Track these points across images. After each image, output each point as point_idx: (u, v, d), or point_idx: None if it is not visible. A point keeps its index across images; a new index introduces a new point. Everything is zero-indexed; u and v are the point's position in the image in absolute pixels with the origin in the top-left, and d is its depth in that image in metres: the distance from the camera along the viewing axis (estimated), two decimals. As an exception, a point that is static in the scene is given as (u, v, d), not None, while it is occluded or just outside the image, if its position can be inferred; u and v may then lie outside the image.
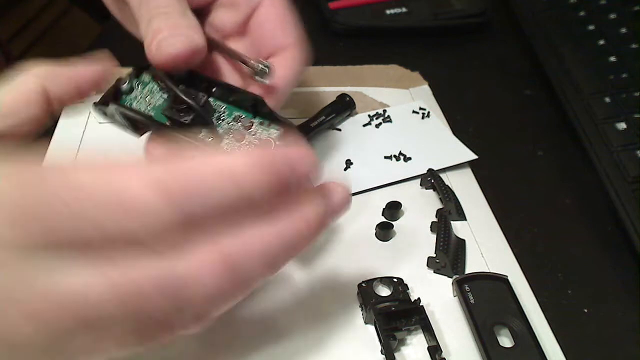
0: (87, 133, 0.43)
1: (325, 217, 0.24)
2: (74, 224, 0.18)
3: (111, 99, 0.30)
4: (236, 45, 0.35)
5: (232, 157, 0.21)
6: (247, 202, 0.21)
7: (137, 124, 0.31)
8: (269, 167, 0.21)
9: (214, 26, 0.35)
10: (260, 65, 0.31)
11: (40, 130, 0.27)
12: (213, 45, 0.33)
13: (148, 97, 0.31)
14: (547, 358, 0.31)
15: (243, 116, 0.30)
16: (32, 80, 0.26)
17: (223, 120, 0.30)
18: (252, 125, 0.29)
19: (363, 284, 0.34)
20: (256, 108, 0.30)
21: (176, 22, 0.29)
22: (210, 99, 0.31)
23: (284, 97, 0.34)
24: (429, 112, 0.48)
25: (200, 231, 0.20)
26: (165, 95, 0.30)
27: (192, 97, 0.29)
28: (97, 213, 0.19)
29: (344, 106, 0.46)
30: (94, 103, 0.30)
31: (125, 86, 0.30)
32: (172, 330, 0.21)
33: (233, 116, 0.30)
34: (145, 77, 0.31)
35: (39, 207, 0.18)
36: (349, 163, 0.43)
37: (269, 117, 0.30)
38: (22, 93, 0.26)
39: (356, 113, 0.47)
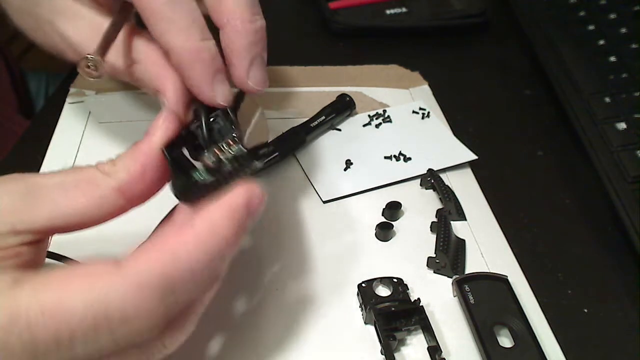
0: (86, 133, 0.43)
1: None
2: (63, 352, 0.20)
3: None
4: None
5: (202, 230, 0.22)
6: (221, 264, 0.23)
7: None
8: (237, 227, 0.23)
9: None
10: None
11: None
12: None
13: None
14: (547, 358, 0.31)
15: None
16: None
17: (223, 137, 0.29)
18: (230, 145, 0.28)
19: (363, 284, 0.34)
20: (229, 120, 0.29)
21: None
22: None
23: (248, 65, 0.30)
24: (429, 112, 0.48)
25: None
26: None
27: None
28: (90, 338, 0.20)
29: (344, 106, 0.46)
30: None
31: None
32: None
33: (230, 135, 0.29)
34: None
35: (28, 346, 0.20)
36: (348, 163, 0.43)
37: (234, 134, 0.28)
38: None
39: (356, 113, 0.47)
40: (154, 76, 0.30)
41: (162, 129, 0.27)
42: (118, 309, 0.20)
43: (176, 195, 0.27)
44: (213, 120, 0.29)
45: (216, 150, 0.28)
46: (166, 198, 0.27)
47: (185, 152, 0.28)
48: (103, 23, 0.30)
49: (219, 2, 0.29)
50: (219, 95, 0.28)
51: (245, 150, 0.27)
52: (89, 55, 0.29)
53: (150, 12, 0.27)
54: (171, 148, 0.27)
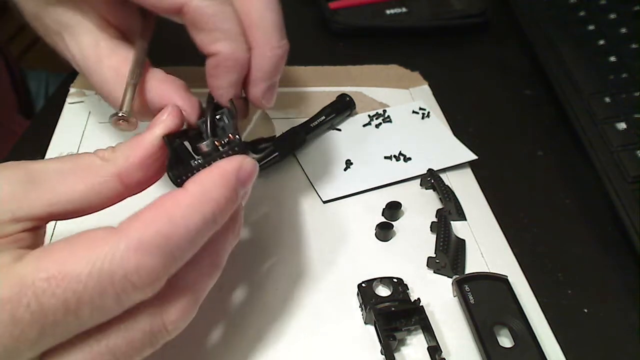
0: (86, 133, 0.43)
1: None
2: (70, 319, 0.20)
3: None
4: None
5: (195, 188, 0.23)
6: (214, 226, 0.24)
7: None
8: (228, 192, 0.24)
9: None
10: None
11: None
12: None
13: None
14: (547, 358, 0.31)
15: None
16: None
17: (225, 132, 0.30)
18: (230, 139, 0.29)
19: (363, 284, 0.34)
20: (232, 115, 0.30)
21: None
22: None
23: (270, 75, 0.31)
24: (429, 112, 0.48)
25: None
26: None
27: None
28: (95, 299, 0.20)
29: (344, 106, 0.46)
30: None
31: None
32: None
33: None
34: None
35: (34, 309, 0.20)
36: (348, 163, 0.43)
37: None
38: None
39: (356, 113, 0.47)
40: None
41: (165, 121, 0.27)
42: (120, 266, 0.21)
43: (172, 180, 0.27)
44: (219, 118, 0.30)
45: (215, 142, 0.28)
46: (167, 187, 0.27)
47: (187, 144, 0.29)
48: (106, 41, 0.31)
49: (250, 24, 0.30)
50: (232, 95, 0.30)
51: (239, 139, 0.28)
52: (120, 113, 0.29)
53: (203, 21, 0.28)
54: (173, 138, 0.27)
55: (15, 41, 0.75)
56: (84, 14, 0.31)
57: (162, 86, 0.31)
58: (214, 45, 0.29)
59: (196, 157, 0.28)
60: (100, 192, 0.25)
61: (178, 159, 0.27)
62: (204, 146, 0.28)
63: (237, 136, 0.28)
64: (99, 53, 0.31)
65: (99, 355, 0.22)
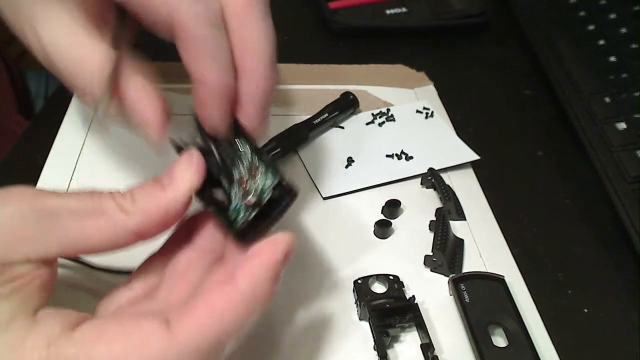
0: (92, 129, 0.44)
1: None
2: None
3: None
4: None
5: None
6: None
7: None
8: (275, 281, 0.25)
9: None
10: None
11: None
12: None
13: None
14: (541, 358, 0.31)
15: (254, 159, 0.29)
16: None
17: (242, 163, 0.29)
18: (256, 172, 0.28)
19: (359, 281, 0.34)
20: (258, 152, 0.29)
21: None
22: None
23: (263, 104, 0.30)
24: (432, 112, 0.48)
25: None
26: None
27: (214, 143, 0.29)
28: None
29: (348, 104, 0.46)
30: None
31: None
32: None
33: (249, 160, 0.29)
34: None
35: None
36: (350, 161, 0.43)
37: (268, 162, 0.29)
38: None
39: (360, 111, 0.47)
40: (138, 105, 0.29)
41: (190, 177, 0.27)
42: None
43: (236, 240, 0.27)
44: (224, 149, 0.29)
45: (244, 183, 0.28)
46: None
47: (215, 192, 0.28)
48: (84, 29, 0.29)
49: (243, 52, 0.29)
50: (225, 124, 0.29)
51: (279, 177, 0.28)
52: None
53: (194, 47, 0.27)
54: (202, 191, 0.27)
55: (15, 41, 0.75)
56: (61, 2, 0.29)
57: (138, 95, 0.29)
58: (202, 72, 0.28)
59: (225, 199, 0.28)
60: (114, 242, 0.25)
61: (221, 215, 0.27)
62: (244, 195, 0.28)
63: (269, 172, 0.28)
64: (76, 41, 0.29)
65: None
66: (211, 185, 0.28)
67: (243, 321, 0.23)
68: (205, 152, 0.28)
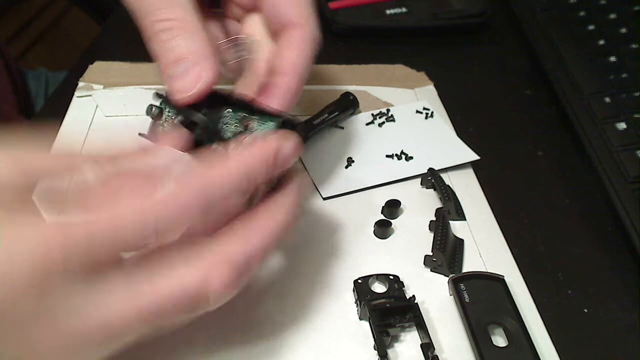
0: (93, 126, 0.44)
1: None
2: (106, 248, 0.21)
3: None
4: (252, 20, 0.35)
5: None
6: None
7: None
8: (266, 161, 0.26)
9: (234, 1, 0.35)
10: (239, 48, 0.31)
11: None
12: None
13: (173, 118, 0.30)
14: (541, 358, 0.31)
15: (245, 115, 0.30)
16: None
17: (229, 124, 0.29)
18: (251, 122, 0.29)
19: (359, 281, 0.34)
20: (252, 107, 0.30)
21: (188, 49, 0.28)
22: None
23: (297, 87, 0.32)
24: (432, 112, 0.48)
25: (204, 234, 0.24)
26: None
27: (193, 114, 0.29)
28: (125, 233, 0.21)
29: (347, 104, 0.46)
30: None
31: (154, 111, 0.30)
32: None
33: (236, 119, 0.30)
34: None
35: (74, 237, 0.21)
36: (350, 161, 0.43)
37: (264, 112, 0.29)
38: None
39: (360, 112, 0.47)
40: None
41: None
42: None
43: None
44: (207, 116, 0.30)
45: (242, 137, 0.29)
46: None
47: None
48: None
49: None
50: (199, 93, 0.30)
51: (277, 121, 0.29)
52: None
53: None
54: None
55: (14, 41, 0.75)
56: None
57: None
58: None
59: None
60: None
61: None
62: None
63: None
64: None
65: (146, 301, 0.22)
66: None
67: (230, 189, 0.24)
68: (187, 125, 0.29)
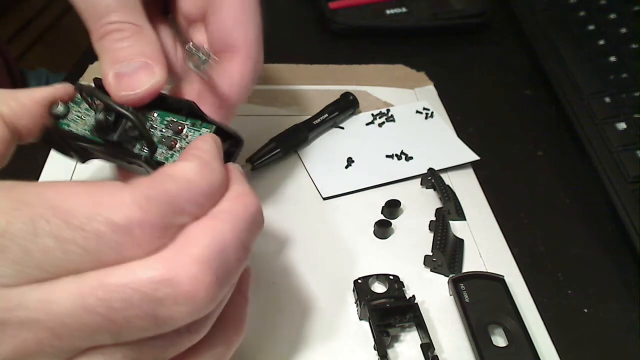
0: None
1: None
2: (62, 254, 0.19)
3: (52, 128, 0.27)
4: (198, 34, 0.34)
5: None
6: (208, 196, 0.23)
7: (79, 149, 0.28)
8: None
9: (181, 10, 0.33)
10: (201, 54, 0.28)
11: (9, 152, 0.26)
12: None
13: (84, 117, 0.28)
14: (541, 358, 0.31)
15: (174, 120, 0.28)
16: None
17: (156, 128, 0.28)
18: (184, 128, 0.27)
19: (359, 280, 0.34)
20: (190, 112, 0.28)
21: (141, 50, 0.28)
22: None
23: (236, 106, 0.32)
24: (432, 113, 0.48)
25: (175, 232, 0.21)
26: (92, 114, 0.28)
27: (124, 107, 0.26)
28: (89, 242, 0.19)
29: (347, 104, 0.46)
30: (41, 136, 0.28)
31: (59, 109, 0.27)
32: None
33: (165, 122, 0.28)
34: (78, 95, 0.28)
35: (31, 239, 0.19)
36: (350, 161, 0.43)
37: (201, 118, 0.28)
38: None
39: (360, 112, 0.47)
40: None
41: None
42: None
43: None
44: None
45: (174, 143, 0.28)
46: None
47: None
48: None
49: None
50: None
51: (212, 128, 0.27)
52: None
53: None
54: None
55: (15, 41, 0.75)
56: None
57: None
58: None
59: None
60: None
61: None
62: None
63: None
64: None
65: (88, 286, 0.19)
66: (129, 156, 0.27)
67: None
68: (109, 121, 0.27)
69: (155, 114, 0.28)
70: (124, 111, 0.26)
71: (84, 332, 0.19)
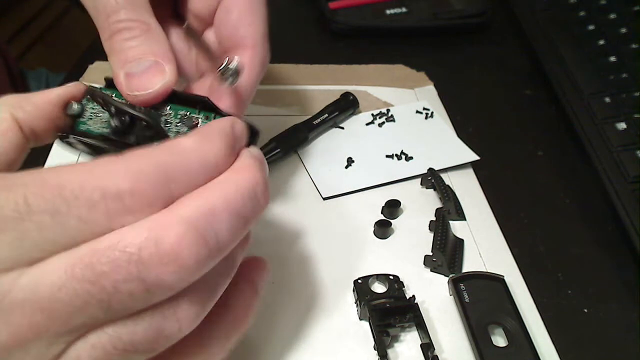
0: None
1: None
2: (60, 227, 0.19)
3: (68, 128, 0.27)
4: (206, 34, 0.34)
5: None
6: (208, 168, 0.22)
7: (98, 149, 0.28)
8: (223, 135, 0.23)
9: (191, 11, 0.34)
10: (233, 65, 0.29)
11: (22, 157, 0.26)
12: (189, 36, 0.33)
13: (99, 114, 0.28)
14: (541, 358, 0.31)
15: (188, 114, 0.28)
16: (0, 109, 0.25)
17: (171, 123, 0.28)
18: (198, 122, 0.27)
19: (359, 281, 0.34)
20: (203, 107, 0.28)
21: (151, 49, 0.28)
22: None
23: (247, 102, 0.32)
24: (432, 113, 0.48)
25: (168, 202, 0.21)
26: (107, 115, 0.27)
27: (137, 109, 0.26)
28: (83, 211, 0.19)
29: (347, 104, 0.46)
30: (58, 136, 0.27)
31: (75, 108, 0.27)
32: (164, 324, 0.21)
33: (179, 116, 0.28)
34: (88, 95, 0.28)
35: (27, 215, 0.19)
36: (350, 161, 0.43)
37: (214, 110, 0.28)
38: None
39: (360, 112, 0.47)
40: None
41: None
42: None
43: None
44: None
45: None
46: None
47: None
48: None
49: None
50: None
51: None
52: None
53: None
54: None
55: (15, 41, 0.75)
56: None
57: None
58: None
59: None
60: None
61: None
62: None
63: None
64: None
65: (109, 343, 0.20)
66: None
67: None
68: (126, 123, 0.27)
69: (168, 108, 0.28)
70: (138, 114, 0.26)
71: (75, 306, 0.19)
